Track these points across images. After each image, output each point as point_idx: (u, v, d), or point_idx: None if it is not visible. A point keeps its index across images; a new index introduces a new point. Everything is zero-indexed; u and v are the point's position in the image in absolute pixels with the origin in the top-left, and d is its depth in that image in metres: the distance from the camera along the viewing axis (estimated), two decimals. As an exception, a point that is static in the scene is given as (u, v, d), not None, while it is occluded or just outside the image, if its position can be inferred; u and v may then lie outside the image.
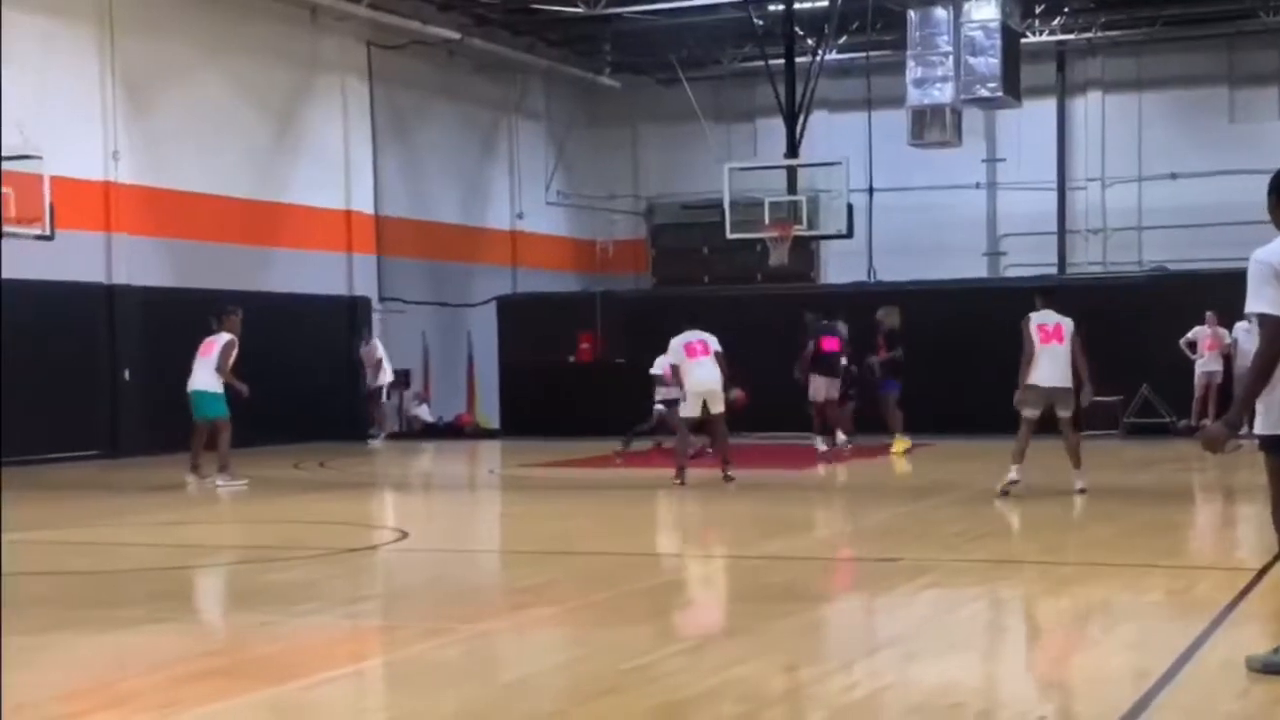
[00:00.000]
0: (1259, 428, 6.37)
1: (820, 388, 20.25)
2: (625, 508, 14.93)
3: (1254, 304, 6.23)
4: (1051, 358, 13.91)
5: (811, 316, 20.79)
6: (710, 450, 17.65)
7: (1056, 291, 14.87)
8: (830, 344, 20.42)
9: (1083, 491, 13.97)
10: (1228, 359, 22.15)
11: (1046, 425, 14.13)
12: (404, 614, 8.95)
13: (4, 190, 19.53)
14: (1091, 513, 13.33)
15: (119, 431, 22.08)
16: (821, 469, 18.71)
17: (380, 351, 25.50)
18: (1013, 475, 13.92)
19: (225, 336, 17.12)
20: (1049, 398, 13.97)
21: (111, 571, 10.79)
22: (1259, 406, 6.33)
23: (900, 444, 20.09)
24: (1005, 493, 13.91)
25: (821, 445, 20.03)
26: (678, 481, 15.93)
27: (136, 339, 22.36)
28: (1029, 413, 14.01)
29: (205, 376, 17.10)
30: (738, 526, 13.44)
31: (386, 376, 25.69)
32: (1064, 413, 14.09)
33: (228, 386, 17.11)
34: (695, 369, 16.15)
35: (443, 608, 9.01)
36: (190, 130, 23.44)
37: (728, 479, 16.02)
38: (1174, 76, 30.81)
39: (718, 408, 16.24)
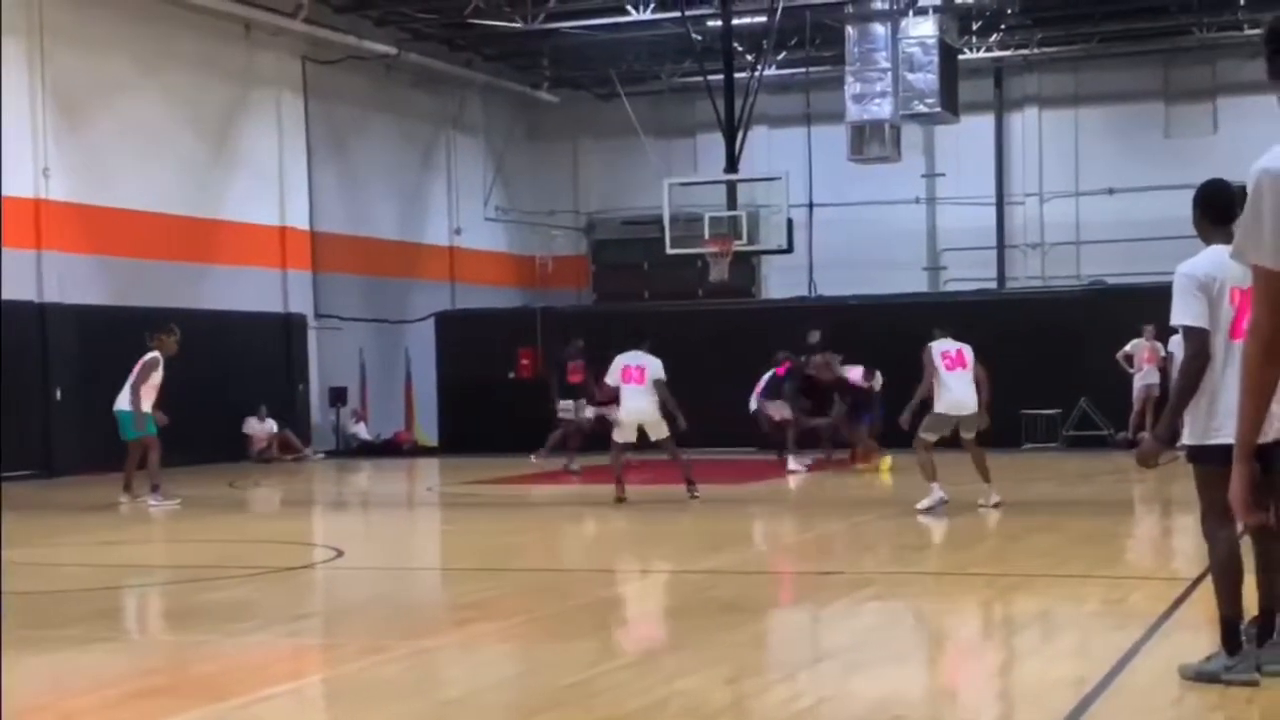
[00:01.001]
0: (1185, 438, 6.45)
1: (772, 410, 20.61)
2: (567, 524, 14.88)
3: (1177, 316, 6.34)
4: (961, 383, 14.00)
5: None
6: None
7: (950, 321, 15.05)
8: (781, 370, 20.70)
9: (998, 505, 13.99)
10: (1165, 372, 22.35)
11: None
12: (342, 632, 8.86)
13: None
14: (1031, 524, 13.40)
15: (52, 451, 21.78)
16: (791, 481, 19.00)
17: (274, 428, 25.18)
18: (940, 494, 13.92)
19: (148, 355, 16.74)
20: (957, 423, 14.09)
21: (48, 592, 10.62)
22: (1185, 418, 6.41)
23: (885, 462, 19.97)
24: (930, 509, 13.89)
25: (793, 463, 20.16)
26: (619, 499, 15.81)
27: (69, 358, 22.08)
28: (930, 437, 14.11)
29: (128, 396, 16.71)
30: (681, 541, 13.42)
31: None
32: (968, 434, 14.19)
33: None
34: (628, 397, 15.77)
35: (381, 625, 8.93)
36: (123, 146, 23.19)
37: (693, 496, 15.77)
38: (1110, 92, 31.13)
39: (659, 434, 15.90)
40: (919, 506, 13.93)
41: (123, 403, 16.75)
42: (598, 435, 19.68)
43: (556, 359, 21.57)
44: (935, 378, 13.94)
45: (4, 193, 20.82)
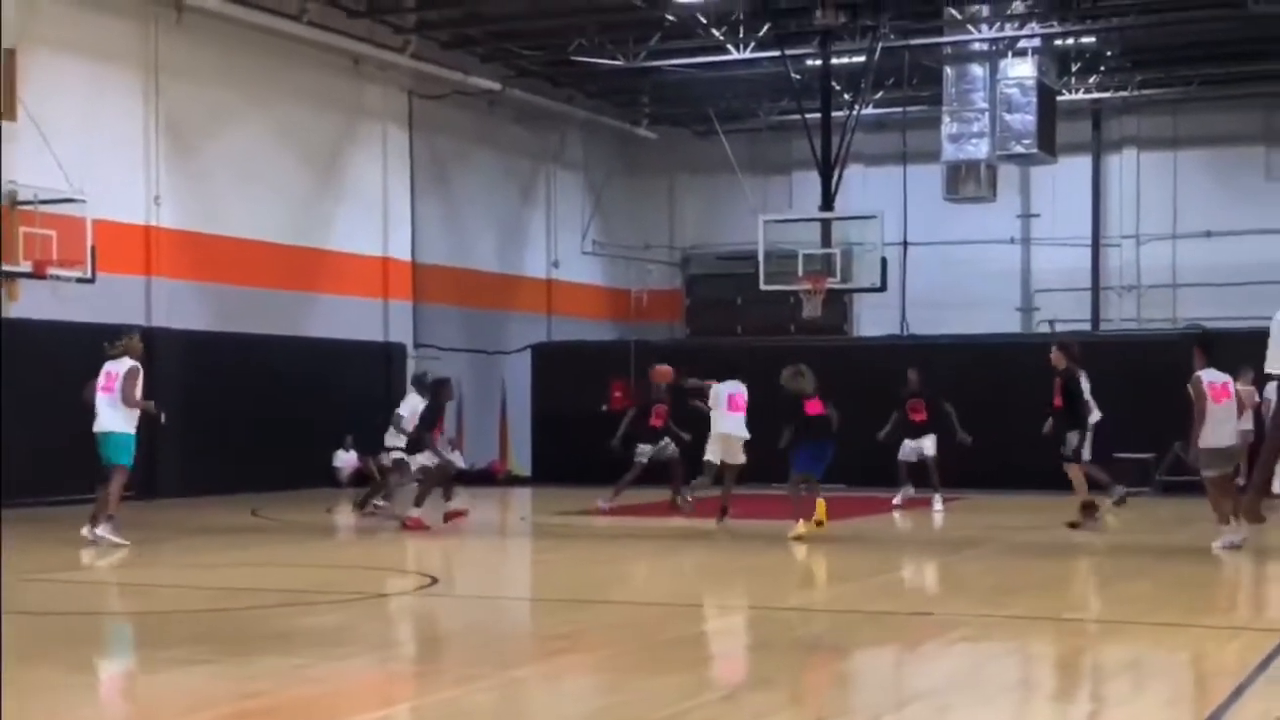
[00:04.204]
0: (1277, 488, 6.42)
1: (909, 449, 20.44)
2: (657, 557, 14.99)
3: (1271, 364, 6.31)
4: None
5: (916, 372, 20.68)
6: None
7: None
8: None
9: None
10: (1261, 418, 22.04)
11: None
12: (436, 659, 9.03)
13: (47, 233, 19.86)
14: (1124, 569, 13.32)
15: (156, 474, 22.21)
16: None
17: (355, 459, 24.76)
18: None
19: (127, 363, 15.20)
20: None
21: (148, 612, 10.90)
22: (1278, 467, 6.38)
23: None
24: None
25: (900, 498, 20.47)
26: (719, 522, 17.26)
27: (174, 382, 22.52)
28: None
29: (113, 415, 15.13)
30: (769, 577, 13.48)
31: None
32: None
33: (142, 417, 15.31)
34: (726, 420, 17.43)
35: (475, 653, 9.09)
36: (232, 175, 23.73)
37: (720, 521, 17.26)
38: (1210, 135, 30.86)
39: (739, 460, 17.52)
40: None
41: (109, 423, 15.15)
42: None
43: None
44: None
45: (117, 219, 21.39)
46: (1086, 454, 17.19)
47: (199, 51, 23.06)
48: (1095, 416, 17.64)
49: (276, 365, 23.74)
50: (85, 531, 15.16)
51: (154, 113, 22.40)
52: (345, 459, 25.15)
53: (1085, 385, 17.41)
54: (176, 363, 22.59)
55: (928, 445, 20.27)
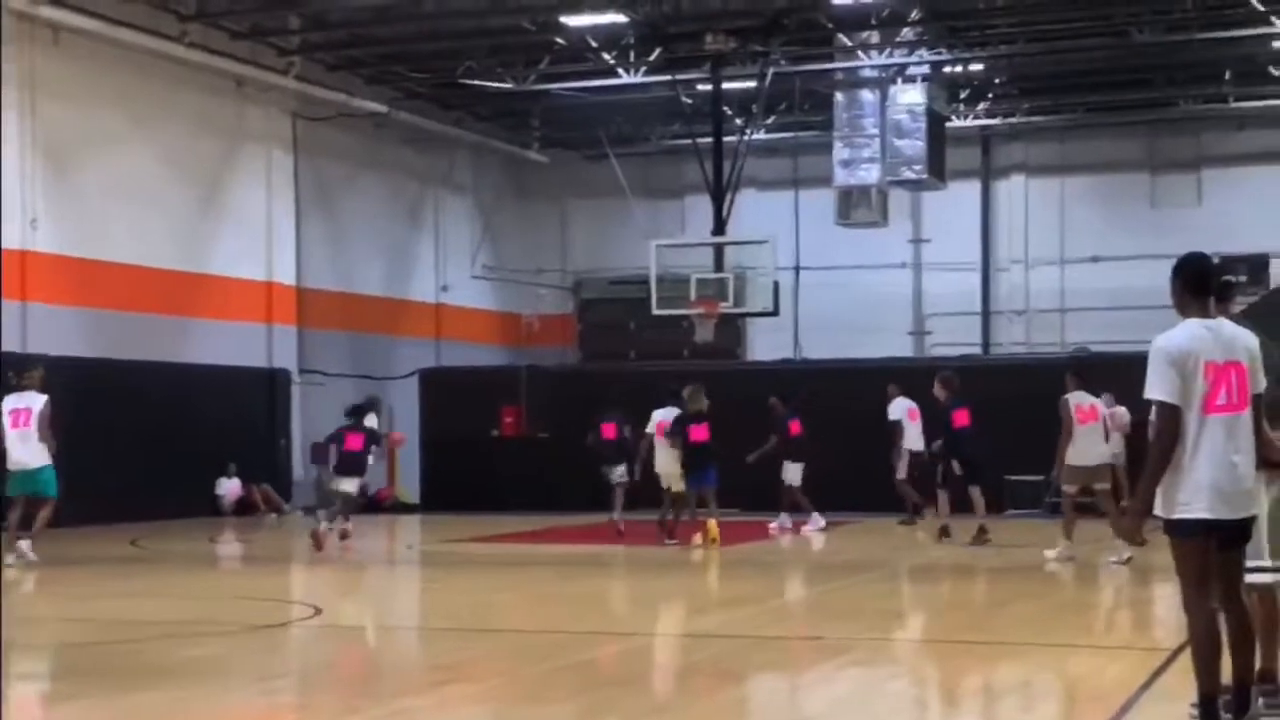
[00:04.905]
0: (1159, 511, 6.44)
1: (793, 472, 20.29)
2: (549, 584, 14.82)
3: (1150, 390, 6.36)
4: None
5: (776, 400, 20.80)
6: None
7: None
8: (795, 427, 20.36)
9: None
10: (1130, 440, 22.19)
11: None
12: (318, 692, 8.79)
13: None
14: (1013, 591, 13.37)
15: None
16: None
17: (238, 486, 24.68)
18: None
19: (40, 399, 15.64)
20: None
21: (24, 645, 10.53)
22: (1158, 491, 6.41)
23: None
24: None
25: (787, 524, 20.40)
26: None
27: (52, 410, 21.94)
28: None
29: (36, 450, 15.58)
30: (662, 603, 13.37)
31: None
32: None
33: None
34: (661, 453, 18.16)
35: (357, 685, 8.88)
36: (112, 199, 23.18)
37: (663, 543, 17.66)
38: (1096, 162, 31.31)
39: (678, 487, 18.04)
40: None
41: (39, 458, 15.66)
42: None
43: None
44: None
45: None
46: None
47: (77, 73, 22.53)
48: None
49: (158, 392, 23.22)
50: (25, 545, 15.61)
51: (30, 134, 21.79)
52: (228, 487, 24.70)
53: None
54: (54, 390, 21.95)
55: (785, 471, 20.22)
